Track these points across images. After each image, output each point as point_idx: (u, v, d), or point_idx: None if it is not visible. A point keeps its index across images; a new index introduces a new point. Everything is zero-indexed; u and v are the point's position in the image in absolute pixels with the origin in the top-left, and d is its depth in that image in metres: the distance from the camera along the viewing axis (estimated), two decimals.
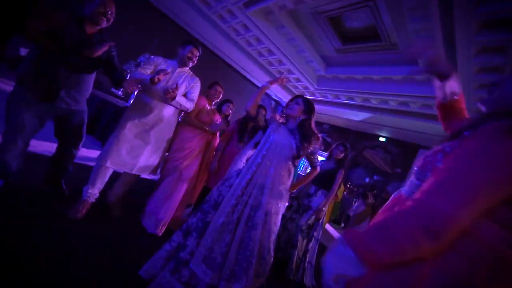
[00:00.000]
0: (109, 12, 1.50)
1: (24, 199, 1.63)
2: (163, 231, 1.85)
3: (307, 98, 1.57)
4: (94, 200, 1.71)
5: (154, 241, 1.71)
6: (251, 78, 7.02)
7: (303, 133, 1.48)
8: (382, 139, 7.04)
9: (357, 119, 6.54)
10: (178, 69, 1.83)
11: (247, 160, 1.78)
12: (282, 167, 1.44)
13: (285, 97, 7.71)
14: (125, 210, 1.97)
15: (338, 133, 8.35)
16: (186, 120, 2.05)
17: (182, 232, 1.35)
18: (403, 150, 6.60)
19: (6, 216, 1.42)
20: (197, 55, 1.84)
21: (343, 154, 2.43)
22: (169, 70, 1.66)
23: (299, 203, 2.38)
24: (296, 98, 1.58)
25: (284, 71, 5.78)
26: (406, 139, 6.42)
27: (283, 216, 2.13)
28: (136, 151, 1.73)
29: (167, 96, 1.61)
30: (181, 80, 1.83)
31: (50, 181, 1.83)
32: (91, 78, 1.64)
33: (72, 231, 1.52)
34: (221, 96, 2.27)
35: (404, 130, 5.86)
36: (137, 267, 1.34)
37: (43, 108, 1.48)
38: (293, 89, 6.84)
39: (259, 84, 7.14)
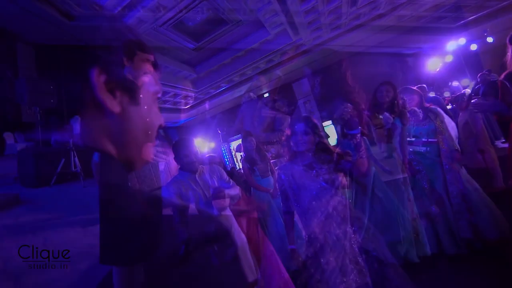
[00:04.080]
0: None
1: None
2: None
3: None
4: None
5: None
6: None
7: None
8: (266, 95, 8.07)
9: (241, 93, 7.08)
10: (196, 177, 1.53)
11: None
12: None
13: (168, 118, 7.09)
14: None
15: (231, 115, 8.81)
16: None
17: None
18: (284, 92, 7.92)
19: None
20: (196, 159, 1.57)
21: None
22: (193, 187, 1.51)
23: None
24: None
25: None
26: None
27: None
28: None
29: (223, 206, 1.43)
30: (208, 180, 1.58)
31: None
32: None
33: None
34: None
35: (277, 79, 6.93)
36: None
37: None
38: (174, 106, 6.36)
39: None
